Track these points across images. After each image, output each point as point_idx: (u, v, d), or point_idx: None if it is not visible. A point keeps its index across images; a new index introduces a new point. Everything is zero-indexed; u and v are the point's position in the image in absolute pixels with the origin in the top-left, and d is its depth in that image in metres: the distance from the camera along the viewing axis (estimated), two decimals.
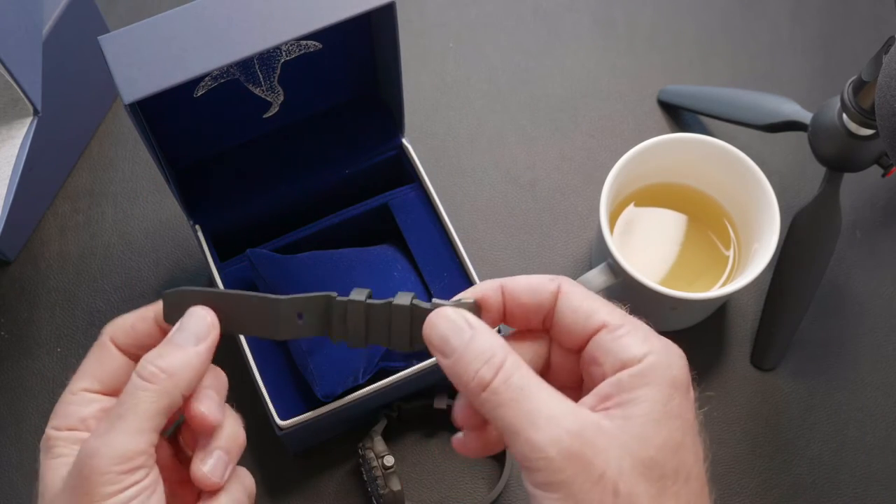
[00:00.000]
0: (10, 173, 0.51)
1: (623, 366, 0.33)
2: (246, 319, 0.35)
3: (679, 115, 0.64)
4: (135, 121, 0.43)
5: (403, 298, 0.34)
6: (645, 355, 0.33)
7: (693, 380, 0.35)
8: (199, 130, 0.52)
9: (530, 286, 0.35)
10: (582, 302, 0.34)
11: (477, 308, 0.35)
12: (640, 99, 0.64)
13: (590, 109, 0.64)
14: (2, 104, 0.52)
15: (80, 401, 0.35)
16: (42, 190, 0.60)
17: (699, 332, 0.57)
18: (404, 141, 0.55)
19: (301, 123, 0.55)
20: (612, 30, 0.67)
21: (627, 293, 0.53)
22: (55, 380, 0.55)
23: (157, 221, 0.60)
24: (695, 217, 0.57)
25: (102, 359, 0.36)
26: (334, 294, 0.35)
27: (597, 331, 0.34)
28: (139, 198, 0.61)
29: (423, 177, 0.54)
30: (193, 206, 0.53)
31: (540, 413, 0.31)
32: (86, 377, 0.36)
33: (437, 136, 0.63)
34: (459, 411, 0.35)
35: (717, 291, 0.50)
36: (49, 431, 0.35)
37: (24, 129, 0.52)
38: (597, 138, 0.63)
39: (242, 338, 0.49)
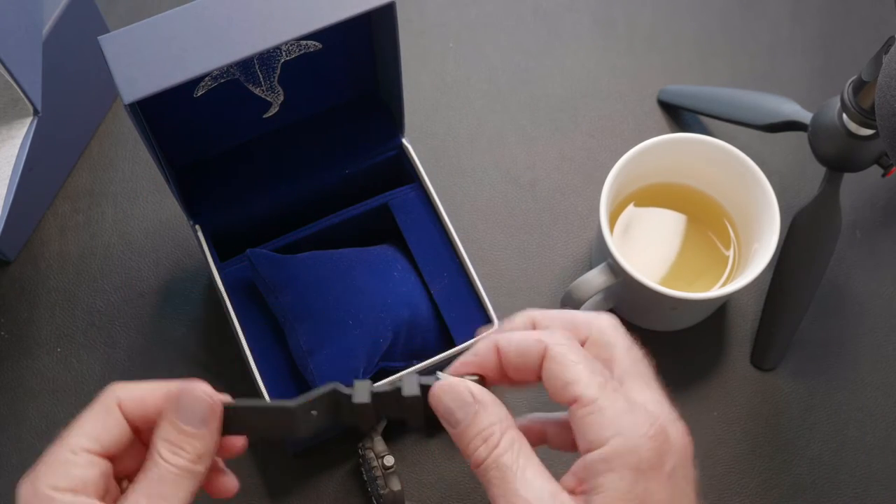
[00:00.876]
0: (10, 173, 0.51)
1: (589, 447, 0.33)
2: (268, 427, 0.35)
3: (679, 115, 0.64)
4: (135, 121, 0.43)
5: (410, 384, 0.35)
6: (608, 439, 0.32)
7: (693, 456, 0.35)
8: (199, 130, 0.52)
9: (519, 350, 0.35)
10: (563, 371, 0.34)
11: (482, 379, 0.35)
12: (640, 99, 0.64)
13: (590, 109, 0.64)
14: (2, 104, 0.52)
15: (83, 462, 0.34)
16: (42, 190, 0.60)
17: (699, 332, 0.57)
18: (404, 141, 0.55)
19: (301, 123, 0.55)
20: (612, 30, 0.67)
21: (627, 293, 0.53)
22: (55, 380, 0.55)
23: (157, 221, 0.60)
24: (695, 217, 0.57)
25: (108, 423, 0.35)
26: (338, 386, 0.35)
27: (572, 403, 0.34)
28: (139, 198, 0.61)
29: (422, 177, 0.54)
30: (193, 205, 0.53)
31: (518, 495, 0.32)
32: (88, 437, 0.35)
33: (437, 136, 0.63)
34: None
35: (717, 291, 0.50)
36: (45, 490, 0.33)
37: (24, 129, 0.52)
38: (597, 138, 0.63)
39: (241, 335, 0.49)
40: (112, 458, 0.35)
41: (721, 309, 0.57)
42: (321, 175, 0.54)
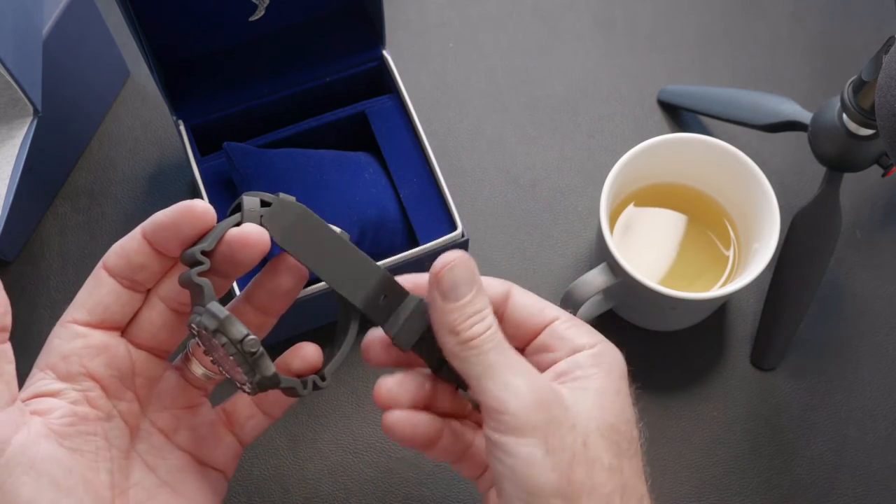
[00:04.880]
0: (10, 173, 0.51)
1: (576, 350, 0.36)
2: (330, 262, 0.35)
3: (679, 115, 0.64)
4: (124, 12, 0.45)
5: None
6: (596, 343, 0.37)
7: (630, 374, 0.38)
8: (186, 27, 0.53)
9: (487, 284, 0.37)
10: (535, 300, 0.38)
11: None
12: (640, 99, 0.64)
13: (590, 109, 0.64)
14: (2, 104, 0.52)
15: (66, 334, 0.34)
16: (42, 190, 0.60)
17: (699, 332, 0.57)
18: (385, 53, 0.57)
19: (285, 30, 0.57)
20: (612, 30, 0.67)
21: (627, 293, 0.53)
22: None
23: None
24: (695, 217, 0.57)
25: (93, 286, 0.35)
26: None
27: (550, 323, 0.37)
28: (139, 198, 0.61)
29: (400, 88, 0.55)
30: (177, 101, 0.54)
31: (519, 365, 0.34)
32: (75, 308, 0.35)
33: (437, 136, 0.63)
34: (375, 351, 0.38)
35: (717, 291, 0.50)
36: (33, 370, 0.35)
37: (24, 129, 0.52)
38: (597, 138, 0.63)
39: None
40: (101, 324, 0.34)
41: (721, 309, 0.57)
42: (302, 80, 0.56)
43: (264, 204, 0.35)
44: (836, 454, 0.54)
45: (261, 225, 0.34)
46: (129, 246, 0.34)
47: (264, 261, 0.36)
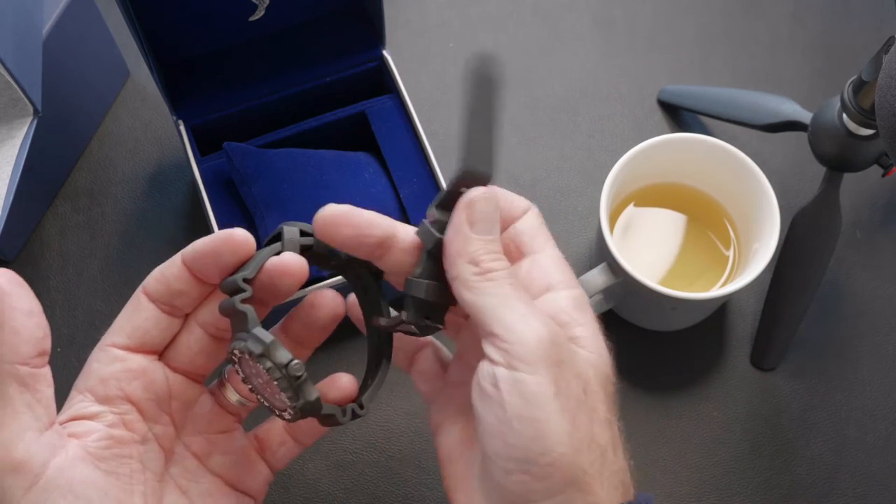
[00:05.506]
0: (10, 173, 0.51)
1: (550, 287, 0.35)
2: None
3: (679, 115, 0.64)
4: (125, 13, 0.45)
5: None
6: (571, 285, 0.36)
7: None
8: (186, 27, 0.53)
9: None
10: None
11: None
12: (640, 99, 0.64)
13: (590, 109, 0.64)
14: (2, 104, 0.52)
15: (105, 357, 0.35)
16: (42, 190, 0.60)
17: (699, 332, 0.57)
18: (385, 53, 0.57)
19: (285, 30, 0.57)
20: (612, 30, 0.67)
21: (627, 293, 0.53)
22: (55, 380, 0.55)
23: (157, 221, 0.60)
24: (695, 217, 0.57)
25: (132, 311, 0.35)
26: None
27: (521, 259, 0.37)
28: (139, 198, 0.61)
29: (400, 88, 0.56)
30: (177, 101, 0.55)
31: (532, 304, 0.33)
32: (115, 332, 0.35)
33: (437, 137, 0.63)
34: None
35: (717, 291, 0.50)
36: (71, 393, 0.35)
37: (24, 129, 0.52)
38: (597, 138, 0.63)
39: (214, 223, 0.52)
40: (140, 348, 0.35)
41: (721, 309, 0.57)
42: (302, 80, 0.56)
43: (304, 234, 0.35)
44: (836, 454, 0.54)
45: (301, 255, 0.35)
46: (168, 272, 0.35)
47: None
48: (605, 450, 0.32)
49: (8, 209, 0.50)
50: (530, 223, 0.37)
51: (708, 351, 0.57)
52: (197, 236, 0.34)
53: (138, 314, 0.35)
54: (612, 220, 0.55)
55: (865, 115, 0.48)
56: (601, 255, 0.52)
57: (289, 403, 0.33)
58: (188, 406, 0.37)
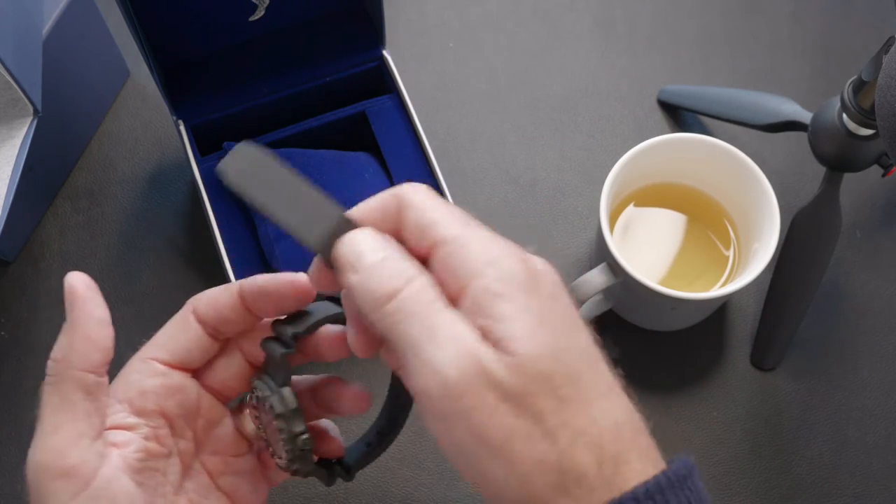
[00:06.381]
0: (10, 173, 0.51)
1: (464, 283, 0.29)
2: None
3: (679, 115, 0.64)
4: (125, 14, 0.45)
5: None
6: (482, 270, 0.29)
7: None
8: (186, 27, 0.54)
9: (381, 207, 0.33)
10: (421, 215, 0.31)
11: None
12: (640, 99, 0.64)
13: (590, 109, 0.64)
14: (2, 104, 0.52)
15: (146, 370, 0.35)
16: (42, 190, 0.59)
17: (699, 332, 0.57)
18: (385, 53, 0.57)
19: (285, 30, 0.57)
20: (612, 30, 0.67)
21: (627, 293, 0.53)
22: None
23: (157, 221, 0.60)
24: (695, 217, 0.57)
25: (178, 328, 0.36)
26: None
27: (433, 249, 0.30)
28: (139, 198, 0.61)
29: (400, 88, 0.56)
30: (177, 101, 0.55)
31: (443, 329, 0.28)
32: (158, 346, 0.35)
33: (437, 136, 0.63)
34: (352, 340, 0.33)
35: (717, 291, 0.50)
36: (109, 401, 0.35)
37: (24, 129, 0.52)
38: (597, 138, 0.63)
39: (214, 223, 0.51)
40: (184, 367, 0.35)
41: (721, 309, 0.57)
42: (302, 80, 0.56)
43: None
44: (836, 454, 0.54)
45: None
46: (222, 300, 0.35)
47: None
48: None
49: (8, 209, 0.50)
50: (416, 214, 0.31)
51: (708, 351, 0.57)
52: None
53: (185, 334, 0.36)
54: (612, 220, 0.55)
55: (865, 115, 0.48)
56: (601, 255, 0.52)
57: (285, 461, 0.35)
58: (212, 426, 0.38)
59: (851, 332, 0.57)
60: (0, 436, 0.54)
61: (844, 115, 0.49)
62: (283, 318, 0.35)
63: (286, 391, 0.34)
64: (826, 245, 0.55)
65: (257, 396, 0.35)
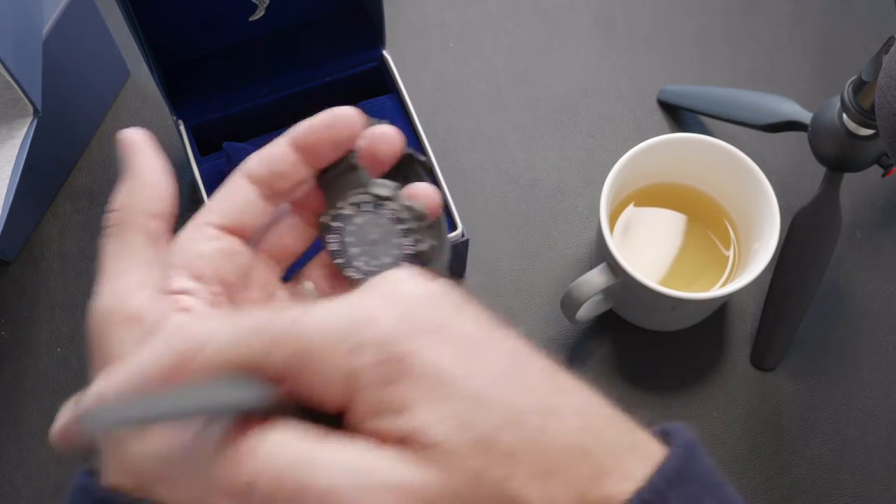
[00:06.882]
0: (10, 173, 0.51)
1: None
2: None
3: (679, 115, 0.64)
4: (125, 14, 0.45)
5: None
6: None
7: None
8: (186, 27, 0.54)
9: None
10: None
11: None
12: (640, 99, 0.64)
13: (590, 109, 0.64)
14: (2, 104, 0.52)
15: (201, 235, 0.33)
16: (42, 190, 0.60)
17: (699, 332, 0.57)
18: (385, 53, 0.57)
19: (285, 30, 0.57)
20: (612, 30, 0.67)
21: (627, 293, 0.53)
22: (55, 380, 0.55)
23: None
24: (695, 217, 0.57)
25: (230, 192, 0.33)
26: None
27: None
28: None
29: (400, 88, 0.56)
30: (177, 101, 0.55)
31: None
32: (210, 211, 0.33)
33: (437, 136, 0.63)
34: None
35: (717, 291, 0.50)
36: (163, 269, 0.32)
37: (24, 129, 0.52)
38: (597, 138, 0.63)
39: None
40: (238, 231, 0.33)
41: (721, 309, 0.57)
42: (302, 80, 0.56)
43: None
44: (836, 454, 0.54)
45: None
46: (274, 153, 0.34)
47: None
48: None
49: (8, 209, 0.50)
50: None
51: (708, 351, 0.57)
52: None
53: (236, 195, 0.34)
54: (612, 220, 0.55)
55: (865, 115, 0.48)
56: (601, 255, 0.52)
57: (409, 249, 0.33)
58: (268, 297, 0.35)
59: (851, 332, 0.57)
60: (0, 436, 0.54)
61: (844, 115, 0.49)
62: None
63: (379, 180, 0.33)
64: (826, 245, 0.55)
65: (343, 211, 0.33)
